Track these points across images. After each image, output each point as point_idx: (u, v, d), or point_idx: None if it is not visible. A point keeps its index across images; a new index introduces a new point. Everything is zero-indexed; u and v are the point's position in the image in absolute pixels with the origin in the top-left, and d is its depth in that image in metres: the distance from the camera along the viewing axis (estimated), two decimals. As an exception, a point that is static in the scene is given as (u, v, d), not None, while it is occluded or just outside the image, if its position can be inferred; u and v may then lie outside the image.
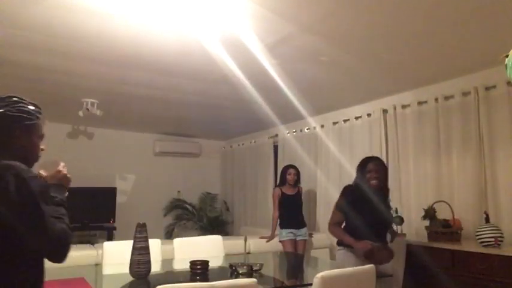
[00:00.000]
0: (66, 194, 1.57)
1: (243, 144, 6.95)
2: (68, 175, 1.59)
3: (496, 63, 2.95)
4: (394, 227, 3.51)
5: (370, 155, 4.43)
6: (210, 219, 6.82)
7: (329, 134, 5.12)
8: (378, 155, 4.34)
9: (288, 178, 4.69)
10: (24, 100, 1.51)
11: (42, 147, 1.55)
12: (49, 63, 3.47)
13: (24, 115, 1.47)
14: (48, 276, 2.71)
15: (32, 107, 1.51)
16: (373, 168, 3.03)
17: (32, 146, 1.50)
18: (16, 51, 3.22)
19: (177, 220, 6.84)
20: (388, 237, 3.12)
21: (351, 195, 3.06)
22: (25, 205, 1.31)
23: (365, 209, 2.93)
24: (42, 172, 1.58)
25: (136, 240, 2.53)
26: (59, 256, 1.37)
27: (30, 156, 1.51)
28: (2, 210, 1.29)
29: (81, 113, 4.74)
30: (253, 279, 1.97)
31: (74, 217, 6.04)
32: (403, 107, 4.23)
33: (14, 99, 1.48)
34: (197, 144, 7.27)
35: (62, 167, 1.59)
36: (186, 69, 3.62)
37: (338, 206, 3.08)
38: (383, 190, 3.09)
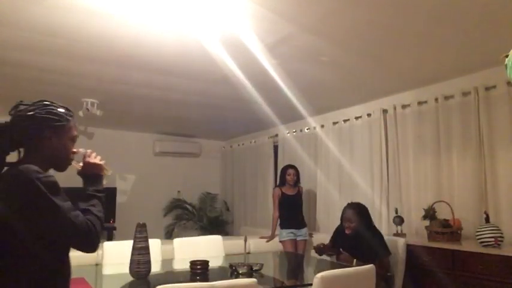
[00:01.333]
0: (106, 174, 1.59)
1: (243, 144, 6.95)
2: (98, 161, 1.58)
3: (496, 63, 2.95)
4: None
5: (369, 157, 4.47)
6: (210, 219, 6.82)
7: (329, 134, 5.12)
8: (378, 155, 4.36)
9: (288, 179, 4.69)
10: (54, 103, 1.53)
11: (74, 149, 1.57)
12: (49, 63, 3.47)
13: (53, 117, 1.49)
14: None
15: (61, 110, 1.54)
16: (346, 218, 3.46)
17: (62, 148, 1.52)
18: (16, 52, 3.22)
19: (177, 220, 6.84)
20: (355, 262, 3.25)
21: (335, 233, 3.67)
22: (38, 206, 1.33)
23: (341, 245, 3.47)
24: (78, 166, 1.58)
25: (136, 240, 2.54)
26: (86, 247, 1.40)
27: (60, 157, 1.53)
28: (19, 218, 1.33)
29: (81, 113, 4.74)
30: (253, 279, 1.97)
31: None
32: (403, 107, 4.23)
33: (44, 102, 1.51)
34: (197, 144, 7.27)
35: (88, 156, 1.59)
36: (186, 69, 3.61)
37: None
38: (361, 234, 3.35)
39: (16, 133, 1.46)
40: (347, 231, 3.42)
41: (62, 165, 1.54)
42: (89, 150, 1.61)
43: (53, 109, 1.51)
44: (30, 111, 1.47)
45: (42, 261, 1.38)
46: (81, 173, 1.58)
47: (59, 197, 1.36)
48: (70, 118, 1.55)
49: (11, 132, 1.46)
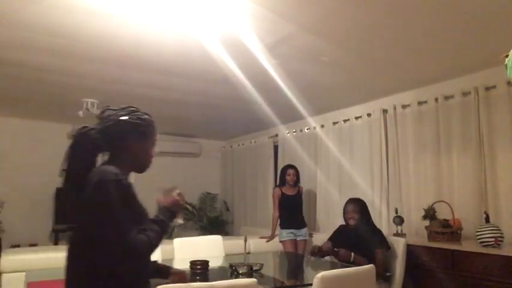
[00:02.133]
0: (177, 221, 1.66)
1: (243, 144, 6.95)
2: (181, 202, 1.64)
3: (496, 63, 2.95)
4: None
5: (369, 157, 4.48)
6: (210, 219, 6.82)
7: (329, 134, 5.12)
8: (378, 155, 4.36)
9: (288, 179, 4.68)
10: (139, 109, 1.64)
11: (153, 154, 1.65)
12: (49, 63, 3.47)
13: (142, 122, 1.60)
14: (48, 276, 2.71)
15: (146, 116, 1.64)
16: (349, 210, 3.56)
17: (144, 152, 1.62)
18: (16, 51, 3.22)
19: (177, 220, 6.84)
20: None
21: (335, 232, 3.66)
22: (99, 205, 1.39)
23: (340, 244, 3.38)
24: (160, 197, 1.65)
25: (136, 240, 2.53)
26: (117, 258, 1.38)
27: (141, 161, 1.62)
28: (86, 215, 1.40)
29: (81, 113, 4.74)
30: (253, 279, 1.97)
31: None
32: (403, 107, 4.23)
33: (132, 108, 1.62)
34: (197, 144, 7.27)
35: (175, 193, 1.65)
36: (186, 69, 3.61)
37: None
38: (361, 229, 3.42)
39: (106, 136, 1.53)
40: (351, 223, 3.49)
41: (143, 168, 1.64)
42: (178, 190, 1.68)
43: (141, 115, 1.61)
44: (122, 116, 1.56)
45: (92, 260, 1.41)
46: (161, 203, 1.63)
47: (125, 203, 1.42)
48: (153, 124, 1.65)
49: (101, 135, 1.53)
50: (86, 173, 1.46)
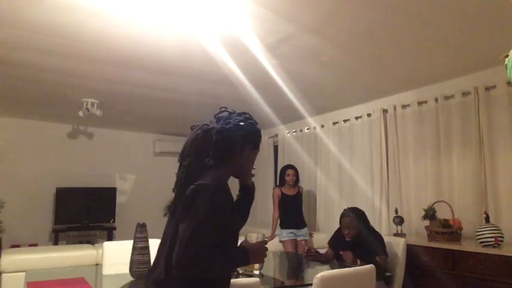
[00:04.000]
0: (254, 268, 1.68)
1: (243, 144, 6.94)
2: (262, 256, 1.61)
3: (496, 63, 2.95)
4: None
5: (369, 157, 4.46)
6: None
7: (329, 134, 5.12)
8: (378, 155, 4.36)
9: (287, 179, 4.68)
10: (252, 117, 1.61)
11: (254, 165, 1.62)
12: (49, 63, 3.47)
13: (257, 134, 1.59)
14: (48, 276, 2.71)
15: (258, 127, 1.60)
16: (344, 225, 3.41)
17: (250, 162, 1.60)
18: (16, 51, 3.22)
19: (177, 220, 6.83)
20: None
21: (333, 238, 3.59)
22: (195, 209, 1.36)
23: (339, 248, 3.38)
24: (246, 242, 1.63)
25: (137, 240, 2.54)
26: (176, 262, 1.34)
27: (244, 169, 1.61)
28: (183, 212, 1.39)
29: (81, 113, 4.74)
30: (257, 279, 1.97)
31: (74, 217, 6.04)
32: (403, 107, 4.23)
33: (247, 115, 1.60)
34: (197, 144, 7.25)
35: (260, 243, 1.65)
36: (186, 69, 3.61)
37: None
38: (361, 238, 3.33)
39: (224, 138, 1.51)
40: (347, 239, 3.37)
41: (244, 176, 1.62)
42: (266, 244, 1.65)
43: (254, 124, 1.59)
44: (240, 122, 1.55)
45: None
46: (245, 245, 1.60)
47: (219, 214, 1.39)
48: (261, 135, 1.62)
49: (220, 136, 1.50)
50: (198, 169, 1.46)
